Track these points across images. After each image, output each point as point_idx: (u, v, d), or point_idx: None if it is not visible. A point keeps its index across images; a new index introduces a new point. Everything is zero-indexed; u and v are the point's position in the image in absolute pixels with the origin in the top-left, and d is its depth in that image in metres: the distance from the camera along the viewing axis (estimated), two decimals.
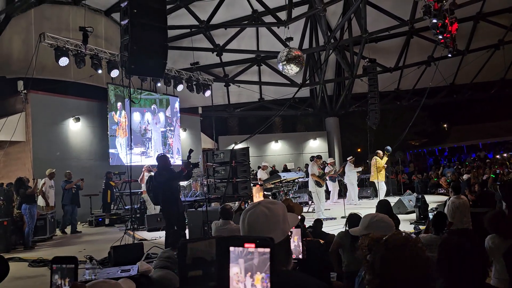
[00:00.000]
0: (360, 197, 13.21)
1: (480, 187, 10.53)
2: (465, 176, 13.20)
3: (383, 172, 11.77)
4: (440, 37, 11.02)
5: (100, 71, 11.81)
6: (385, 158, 11.91)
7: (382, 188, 11.81)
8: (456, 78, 19.32)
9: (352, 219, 4.81)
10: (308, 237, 4.53)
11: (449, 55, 12.63)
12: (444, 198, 10.48)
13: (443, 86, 19.13)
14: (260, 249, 0.86)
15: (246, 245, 0.87)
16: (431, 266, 1.44)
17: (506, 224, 3.38)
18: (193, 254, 0.89)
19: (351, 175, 12.58)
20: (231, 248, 0.88)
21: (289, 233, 1.50)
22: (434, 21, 10.44)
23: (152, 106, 14.74)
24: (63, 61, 10.86)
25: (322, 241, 4.48)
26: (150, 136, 14.68)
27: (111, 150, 13.18)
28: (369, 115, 14.63)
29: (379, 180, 11.68)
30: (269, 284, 0.84)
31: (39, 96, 11.88)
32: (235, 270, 0.86)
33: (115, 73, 11.94)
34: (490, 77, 19.58)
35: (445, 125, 30.18)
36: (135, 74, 6.32)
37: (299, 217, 5.26)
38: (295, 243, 1.90)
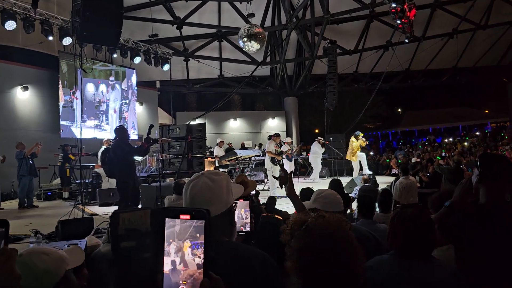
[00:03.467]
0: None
1: (433, 169, 11.06)
2: (413, 159, 13.78)
3: (356, 153, 12.65)
4: (398, 21, 11.29)
5: (51, 38, 11.14)
6: (360, 141, 12.68)
7: (355, 167, 12.78)
8: (412, 64, 19.92)
9: (305, 194, 4.92)
10: (263, 213, 4.57)
11: (406, 40, 12.99)
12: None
13: (399, 71, 19.70)
14: (195, 221, 0.85)
15: (182, 216, 0.86)
16: (357, 254, 1.30)
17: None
18: (125, 224, 0.86)
19: (317, 155, 12.98)
20: (167, 219, 0.86)
21: (234, 205, 1.51)
22: (394, 5, 10.65)
23: (110, 79, 14.20)
24: (10, 25, 10.12)
25: (280, 218, 4.53)
26: (104, 109, 14.18)
27: (62, 122, 12.63)
28: (327, 96, 14.85)
29: (352, 160, 12.67)
30: (202, 255, 0.84)
31: None
32: (170, 241, 0.85)
33: (67, 40, 11.29)
34: (443, 65, 20.36)
35: (399, 110, 31.31)
36: (87, 41, 6.03)
37: (253, 192, 5.30)
38: (242, 215, 1.91)
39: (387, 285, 1.76)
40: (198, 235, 0.85)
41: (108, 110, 14.25)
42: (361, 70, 19.97)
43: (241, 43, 12.41)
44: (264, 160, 11.62)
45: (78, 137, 10.21)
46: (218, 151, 11.97)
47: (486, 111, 29.00)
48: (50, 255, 1.51)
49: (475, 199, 2.29)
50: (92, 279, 1.93)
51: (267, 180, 11.48)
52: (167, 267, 0.85)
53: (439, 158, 11.52)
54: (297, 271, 1.30)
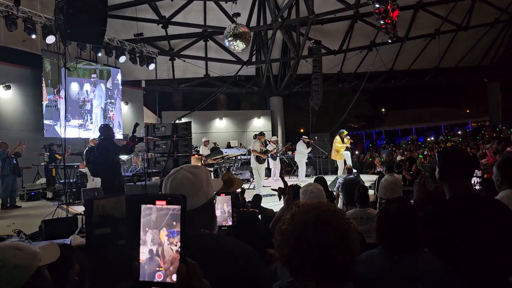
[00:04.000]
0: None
1: (416, 168, 11.26)
2: (398, 158, 14.02)
3: (341, 152, 12.70)
4: (382, 22, 11.47)
5: (34, 36, 11.00)
6: (346, 141, 12.77)
7: (340, 166, 12.85)
8: (395, 64, 20.18)
9: (293, 191, 5.00)
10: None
11: (389, 41, 13.19)
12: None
13: (383, 72, 19.95)
14: (171, 206, 0.86)
15: (157, 202, 0.86)
16: (346, 239, 1.25)
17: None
18: (100, 211, 0.87)
19: (302, 154, 13.01)
20: (143, 207, 0.86)
21: (214, 197, 1.53)
22: (377, 6, 10.82)
23: (92, 76, 14.05)
24: None
25: (256, 211, 4.60)
26: (89, 108, 14.06)
27: (45, 121, 12.49)
28: (312, 96, 14.98)
29: (337, 159, 12.78)
30: (179, 242, 0.85)
31: None
32: (146, 230, 0.86)
33: (50, 39, 11.16)
34: (426, 65, 20.71)
35: (383, 109, 31.69)
36: (71, 39, 5.99)
37: (239, 189, 5.36)
38: (224, 209, 1.94)
39: (378, 279, 1.79)
40: (174, 223, 0.85)
41: (92, 109, 14.13)
42: (346, 70, 20.17)
43: (226, 43, 12.44)
44: (249, 159, 11.70)
45: (62, 136, 10.12)
46: (204, 150, 12.00)
47: (467, 111, 29.59)
48: (23, 250, 1.50)
49: (436, 195, 2.34)
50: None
51: (253, 179, 11.55)
52: (143, 255, 0.85)
53: (421, 156, 11.75)
54: (285, 258, 1.27)
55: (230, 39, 12.04)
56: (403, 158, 13.98)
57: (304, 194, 2.85)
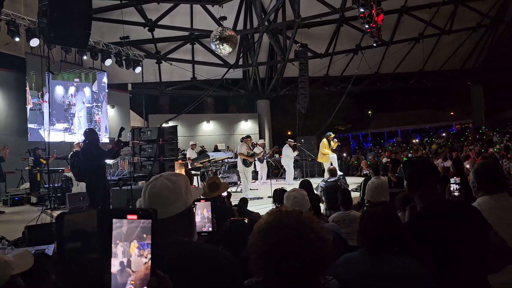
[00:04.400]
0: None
1: (401, 170, 11.44)
2: (384, 160, 14.17)
3: (328, 155, 12.65)
4: (367, 26, 11.59)
5: (17, 39, 10.86)
6: (333, 143, 12.67)
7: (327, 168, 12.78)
8: (380, 67, 20.43)
9: (278, 194, 5.05)
10: (234, 215, 4.64)
11: (374, 44, 13.32)
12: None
13: (368, 75, 20.15)
14: (142, 221, 0.86)
15: (129, 216, 0.86)
16: (314, 243, 1.24)
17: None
18: (71, 226, 0.87)
19: (289, 158, 13.03)
20: (114, 220, 0.86)
21: (193, 206, 1.53)
22: (362, 10, 10.95)
23: (74, 80, 13.90)
24: None
25: (246, 219, 4.62)
26: (74, 112, 13.92)
27: (30, 125, 12.33)
28: (298, 99, 15.08)
29: (324, 162, 12.66)
30: (149, 254, 0.85)
31: None
32: (117, 242, 0.85)
33: (34, 42, 11.03)
34: (410, 69, 20.99)
35: (369, 112, 32.02)
36: (54, 43, 5.93)
37: (225, 193, 5.38)
38: (204, 215, 1.95)
39: (359, 281, 1.80)
40: (145, 235, 0.86)
41: (75, 112, 13.98)
42: (332, 73, 20.32)
43: (213, 46, 12.45)
44: (236, 162, 11.72)
45: (47, 140, 10.00)
46: (191, 154, 11.98)
47: (452, 113, 30.06)
48: None
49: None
50: None
51: (240, 182, 11.57)
52: (114, 268, 0.85)
53: (406, 159, 11.91)
54: (255, 267, 1.27)
55: (216, 42, 12.06)
56: (388, 159, 14.15)
57: (287, 199, 2.90)
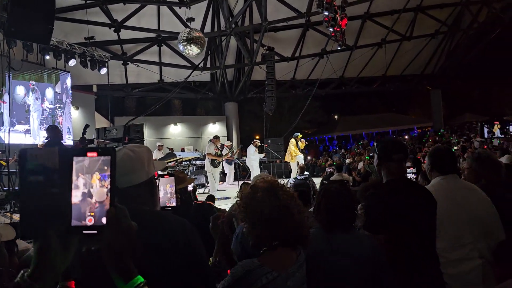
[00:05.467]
0: None
1: (364, 168, 11.89)
2: (347, 160, 14.55)
3: (296, 155, 12.91)
4: (331, 29, 11.95)
5: None
6: (300, 144, 12.99)
7: (294, 169, 12.95)
8: (345, 71, 20.97)
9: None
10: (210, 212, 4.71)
11: (339, 48, 13.72)
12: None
13: (334, 79, 20.62)
14: (102, 157, 0.90)
15: (89, 154, 0.90)
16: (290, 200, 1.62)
17: None
18: (34, 160, 0.91)
19: (253, 158, 13.07)
20: (75, 158, 0.89)
21: (156, 177, 1.58)
22: (326, 13, 11.28)
23: (31, 82, 13.46)
24: None
25: (212, 203, 4.72)
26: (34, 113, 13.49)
27: None
28: (266, 102, 15.25)
29: (291, 162, 12.96)
30: (109, 185, 0.89)
31: None
32: (79, 175, 0.88)
33: None
34: (374, 73, 21.63)
35: (336, 116, 32.68)
36: (16, 38, 5.81)
37: (190, 188, 5.44)
38: (167, 190, 2.01)
39: (314, 258, 1.85)
40: (106, 167, 0.89)
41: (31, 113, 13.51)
42: (298, 76, 20.66)
43: (180, 47, 12.45)
44: (204, 163, 11.73)
45: (7, 142, 9.68)
46: (158, 155, 11.89)
47: (413, 117, 31.16)
48: None
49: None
50: None
51: (208, 183, 11.58)
52: (76, 198, 0.88)
53: (368, 158, 12.32)
54: (248, 220, 1.62)
55: (184, 43, 12.08)
56: (351, 160, 14.56)
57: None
